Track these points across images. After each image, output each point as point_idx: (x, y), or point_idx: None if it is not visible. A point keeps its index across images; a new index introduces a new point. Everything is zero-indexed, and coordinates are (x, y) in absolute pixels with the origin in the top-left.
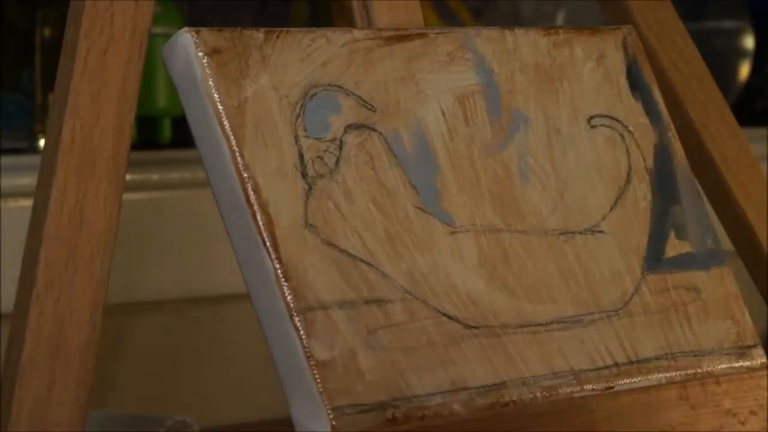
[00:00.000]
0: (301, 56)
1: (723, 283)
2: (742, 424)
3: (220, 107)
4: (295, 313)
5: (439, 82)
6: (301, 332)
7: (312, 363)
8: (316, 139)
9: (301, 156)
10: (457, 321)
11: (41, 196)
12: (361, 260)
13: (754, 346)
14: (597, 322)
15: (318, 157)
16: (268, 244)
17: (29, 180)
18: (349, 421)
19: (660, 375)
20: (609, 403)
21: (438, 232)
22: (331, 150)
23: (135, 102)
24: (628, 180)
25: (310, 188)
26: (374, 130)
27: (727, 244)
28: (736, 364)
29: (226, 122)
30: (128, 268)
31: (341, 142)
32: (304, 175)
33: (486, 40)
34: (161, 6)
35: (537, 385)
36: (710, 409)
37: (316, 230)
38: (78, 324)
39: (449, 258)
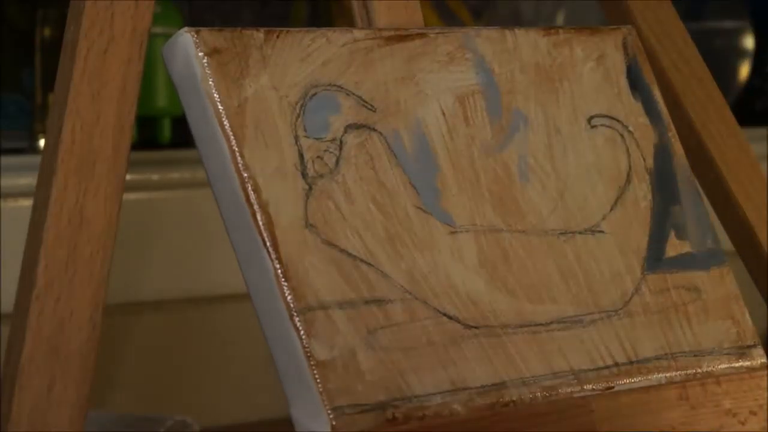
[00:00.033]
0: (301, 56)
1: (723, 283)
2: (742, 424)
3: (220, 107)
4: (295, 313)
5: (439, 82)
6: (301, 332)
7: (312, 363)
8: (316, 139)
9: (301, 156)
10: (457, 321)
11: (41, 196)
12: (361, 260)
13: (754, 346)
14: (597, 322)
15: (318, 157)
16: (268, 244)
17: (29, 180)
18: (349, 421)
19: (660, 375)
20: (609, 403)
21: (438, 232)
22: (331, 150)
23: (135, 102)
24: (628, 180)
25: (310, 188)
26: (374, 130)
27: (727, 244)
28: (736, 364)
29: (226, 122)
30: (128, 268)
31: (341, 142)
32: (304, 175)
33: (486, 40)
34: (161, 6)
35: (537, 385)
36: (710, 409)
37: (316, 230)
38: (78, 324)
39: (449, 258)
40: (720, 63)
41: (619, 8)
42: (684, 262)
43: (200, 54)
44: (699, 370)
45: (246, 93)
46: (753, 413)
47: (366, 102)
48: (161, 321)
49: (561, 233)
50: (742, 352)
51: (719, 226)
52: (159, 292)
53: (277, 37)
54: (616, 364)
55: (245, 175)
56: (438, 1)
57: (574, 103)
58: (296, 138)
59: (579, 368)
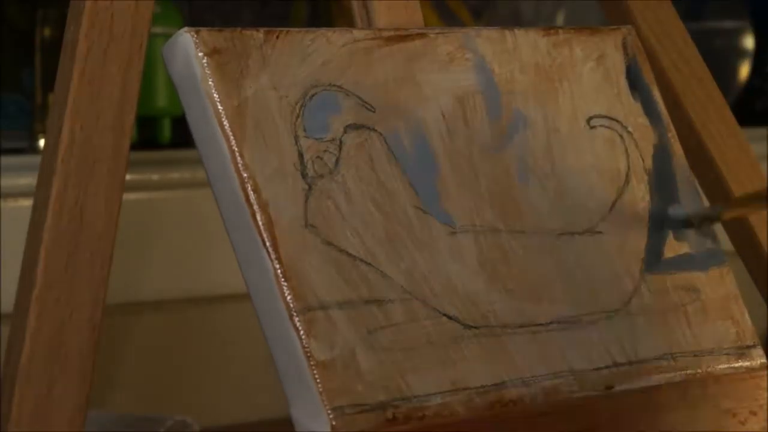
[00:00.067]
0: (301, 56)
1: (722, 284)
2: (742, 424)
3: (220, 107)
4: (295, 313)
5: (439, 82)
6: (301, 332)
7: (312, 363)
8: (316, 139)
9: (301, 156)
10: (457, 321)
11: (41, 196)
12: (361, 260)
13: (754, 346)
14: (597, 323)
15: (318, 157)
16: (268, 244)
17: (29, 180)
18: (349, 421)
19: (660, 375)
20: (609, 403)
21: (437, 233)
22: (330, 150)
23: (135, 102)
24: (627, 180)
25: (310, 188)
26: (374, 130)
27: (727, 244)
28: (736, 365)
29: (226, 122)
30: (128, 268)
31: (341, 142)
32: (304, 175)
33: (486, 40)
34: (161, 6)
35: (537, 385)
36: (710, 409)
37: (316, 230)
38: (78, 324)
39: (449, 258)
40: (720, 63)
41: (619, 8)
42: (683, 263)
43: (200, 54)
44: (699, 371)
45: (246, 93)
46: (753, 413)
47: (366, 102)
48: (161, 321)
49: (560, 234)
50: (741, 352)
51: (719, 226)
52: (159, 292)
53: (277, 37)
54: (616, 365)
55: (245, 175)
56: (438, 1)
57: (573, 104)
58: (296, 138)
59: (579, 368)
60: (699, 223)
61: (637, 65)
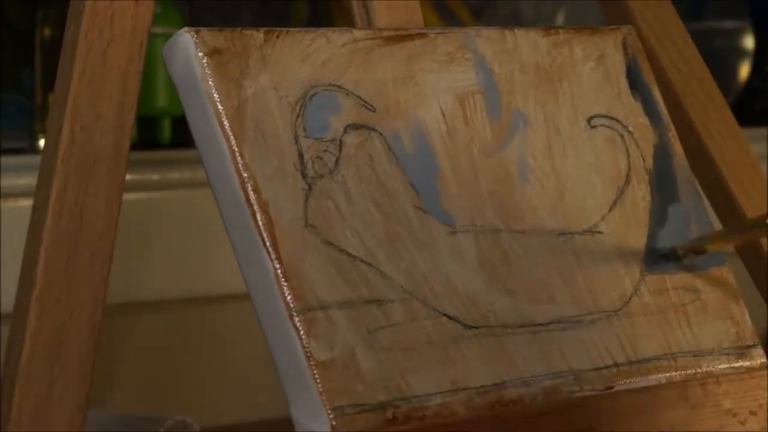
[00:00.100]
0: (301, 56)
1: (722, 284)
2: (742, 424)
3: (220, 107)
4: (295, 313)
5: (439, 82)
6: (301, 332)
7: (312, 363)
8: (316, 139)
9: (301, 156)
10: (457, 321)
11: (41, 196)
12: (361, 260)
13: (754, 346)
14: (596, 323)
15: (318, 157)
16: (268, 244)
17: (29, 180)
18: (349, 421)
19: (660, 375)
20: (609, 403)
21: (437, 233)
22: (330, 150)
23: (135, 102)
24: (628, 180)
25: (310, 188)
26: (374, 130)
27: None
28: (736, 364)
29: (226, 122)
30: (128, 268)
31: (341, 142)
32: (303, 175)
33: (486, 40)
34: (161, 6)
35: (537, 385)
36: (710, 409)
37: (316, 230)
38: (78, 324)
39: (449, 258)
40: (720, 63)
41: (619, 8)
42: (683, 263)
43: (200, 54)
44: (699, 371)
45: (246, 93)
46: (753, 413)
47: (366, 102)
48: (161, 321)
49: (560, 234)
50: (741, 352)
51: (719, 226)
52: (159, 292)
53: (277, 37)
54: (616, 365)
55: (245, 175)
56: (438, 1)
57: (573, 104)
58: (296, 138)
59: (579, 368)
60: (684, 254)
61: (637, 65)
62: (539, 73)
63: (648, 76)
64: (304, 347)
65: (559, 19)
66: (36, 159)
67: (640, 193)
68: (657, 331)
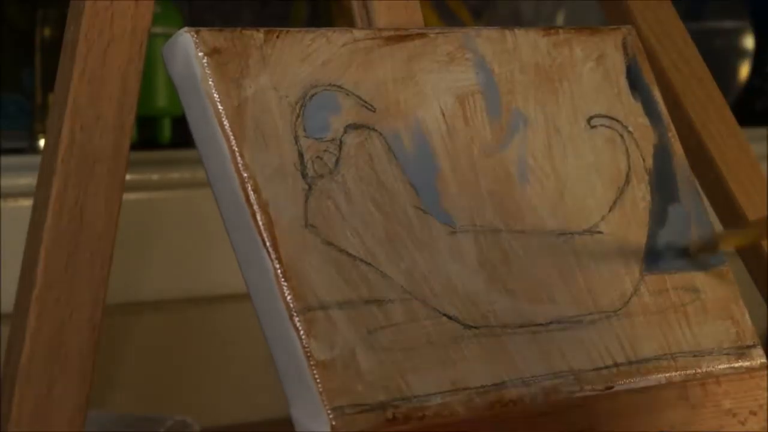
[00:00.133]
0: (301, 56)
1: (722, 283)
2: (742, 424)
3: (220, 107)
4: (295, 313)
5: (439, 82)
6: (301, 332)
7: (312, 363)
8: (316, 139)
9: (301, 156)
10: (457, 321)
11: (41, 196)
12: (361, 260)
13: (754, 346)
14: (596, 323)
15: (318, 157)
16: (268, 244)
17: (29, 180)
18: (349, 421)
19: (660, 375)
20: (609, 403)
21: (437, 233)
22: (330, 150)
23: (135, 102)
24: (628, 180)
25: (309, 188)
26: (374, 130)
27: None
28: (736, 364)
29: (226, 122)
30: (128, 268)
31: (341, 142)
32: (304, 175)
33: (486, 40)
34: (161, 6)
35: (537, 385)
36: (710, 409)
37: (316, 230)
38: (78, 324)
39: (449, 258)
40: (720, 63)
41: (619, 8)
42: (683, 263)
43: (200, 54)
44: (699, 371)
45: (246, 93)
46: (753, 413)
47: (366, 102)
48: (161, 321)
49: (560, 234)
50: (741, 352)
51: (719, 226)
52: (159, 292)
53: (277, 37)
54: (616, 365)
55: (245, 175)
56: (438, 1)
57: (573, 104)
58: (296, 138)
59: (579, 368)
60: (696, 253)
61: (637, 65)
62: (539, 73)
63: (648, 76)
64: (304, 347)
65: (559, 19)
66: (36, 159)
67: (640, 193)
68: (657, 331)
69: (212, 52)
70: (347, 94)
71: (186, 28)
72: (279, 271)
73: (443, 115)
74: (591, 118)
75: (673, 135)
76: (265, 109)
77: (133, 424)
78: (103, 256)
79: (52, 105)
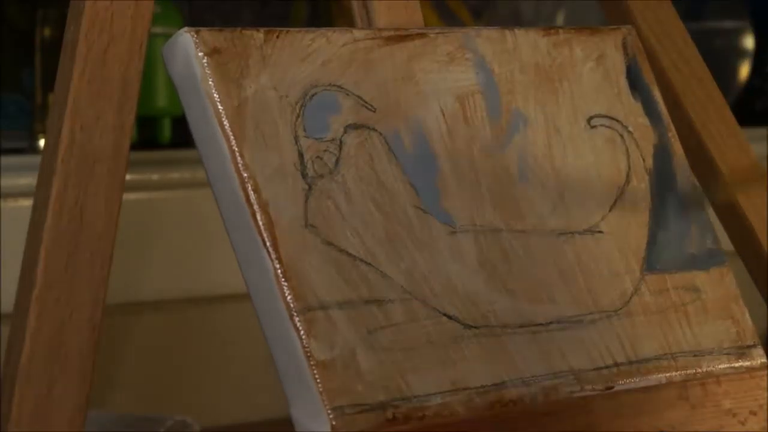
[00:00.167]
0: (301, 56)
1: (723, 283)
2: (742, 424)
3: (220, 107)
4: (295, 313)
5: (439, 82)
6: (301, 332)
7: (312, 363)
8: (316, 139)
9: (301, 156)
10: (457, 321)
11: (41, 196)
12: (361, 260)
13: (754, 346)
14: (597, 323)
15: (318, 157)
16: (268, 244)
17: (29, 180)
18: (349, 420)
19: (660, 375)
20: (609, 403)
21: (438, 232)
22: (330, 150)
23: (135, 102)
24: (628, 180)
25: (309, 188)
26: (374, 130)
27: (727, 244)
28: (736, 364)
29: (226, 122)
30: (128, 268)
31: (341, 142)
32: (303, 175)
33: (486, 40)
34: (161, 6)
35: (537, 385)
36: (710, 409)
37: (316, 230)
38: (78, 324)
39: (449, 258)
40: (720, 63)
41: (619, 8)
42: (684, 263)
43: (200, 54)
44: (699, 370)
45: (246, 93)
46: (753, 413)
47: (366, 102)
48: (161, 321)
49: (560, 233)
50: (741, 352)
51: (719, 226)
52: (159, 292)
53: (277, 37)
54: (616, 364)
55: (245, 175)
56: (438, 1)
57: (573, 103)
58: (296, 138)
59: (579, 368)
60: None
61: (637, 65)
62: (539, 73)
63: (648, 76)
64: (304, 347)
65: (559, 19)
66: (36, 159)
67: (641, 193)
68: (657, 330)
69: (212, 52)
70: (347, 94)
71: (186, 28)
72: (279, 271)
73: (443, 115)
74: (591, 118)
75: (673, 135)
76: (265, 109)
77: (133, 424)
78: (103, 256)
79: (52, 105)
